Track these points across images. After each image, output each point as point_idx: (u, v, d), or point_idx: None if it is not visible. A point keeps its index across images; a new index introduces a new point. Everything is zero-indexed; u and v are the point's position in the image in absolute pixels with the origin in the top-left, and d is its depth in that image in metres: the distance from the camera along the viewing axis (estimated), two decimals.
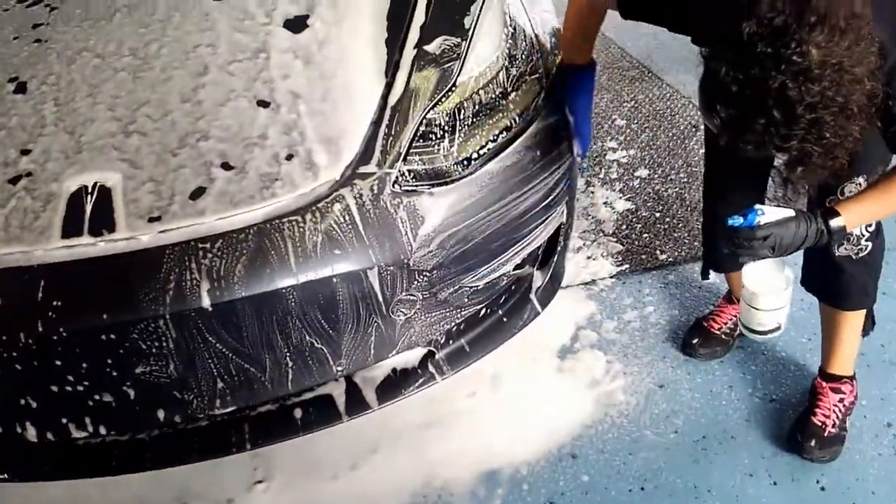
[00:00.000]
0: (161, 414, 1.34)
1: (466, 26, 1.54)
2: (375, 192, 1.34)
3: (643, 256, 2.35)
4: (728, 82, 1.02)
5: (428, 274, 1.40)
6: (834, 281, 1.58)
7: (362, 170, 1.34)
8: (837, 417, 1.71)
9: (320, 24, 1.54)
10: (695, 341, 1.98)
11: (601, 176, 2.76)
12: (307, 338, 1.33)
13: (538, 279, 1.76)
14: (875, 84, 1.05)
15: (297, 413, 1.50)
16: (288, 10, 1.57)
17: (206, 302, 1.20)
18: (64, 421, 1.32)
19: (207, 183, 1.27)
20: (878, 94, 1.06)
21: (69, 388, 1.27)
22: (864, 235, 1.47)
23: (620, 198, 2.63)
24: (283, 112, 1.37)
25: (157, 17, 1.56)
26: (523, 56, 1.59)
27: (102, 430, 1.34)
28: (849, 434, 1.74)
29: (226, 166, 1.29)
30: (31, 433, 1.30)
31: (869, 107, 1.05)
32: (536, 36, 1.68)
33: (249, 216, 1.25)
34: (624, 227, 2.49)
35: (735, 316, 1.97)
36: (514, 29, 1.60)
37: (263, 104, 1.38)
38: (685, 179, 2.67)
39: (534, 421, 1.83)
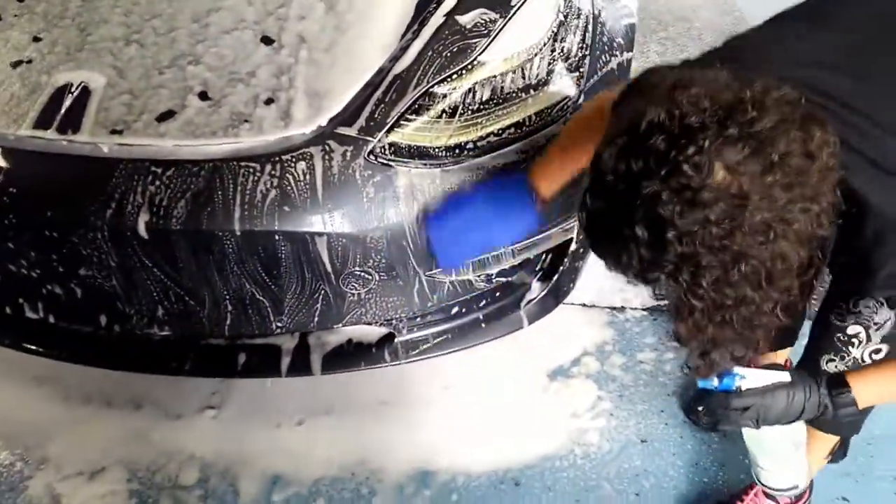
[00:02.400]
0: (103, 319, 1.37)
1: (512, 3, 1.40)
2: (347, 158, 1.26)
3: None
4: (607, 169, 0.77)
5: (386, 256, 1.31)
6: None
7: (341, 131, 1.27)
8: None
9: None
10: (700, 408, 1.76)
11: None
12: (247, 286, 1.31)
13: (534, 291, 1.62)
14: (812, 255, 0.79)
15: (241, 356, 1.49)
16: None
17: (141, 227, 1.20)
18: (20, 301, 1.39)
19: (179, 108, 1.25)
20: (813, 266, 0.81)
21: (24, 272, 1.32)
22: (864, 361, 1.13)
23: None
24: (282, 53, 1.31)
25: None
26: (567, 49, 1.42)
27: (51, 318, 1.40)
28: None
29: (203, 96, 1.26)
30: None
31: (794, 283, 0.80)
32: (597, 28, 1.50)
33: (209, 150, 1.21)
34: None
35: None
36: (567, 16, 1.43)
37: (267, 41, 1.33)
38: None
39: (495, 435, 1.72)
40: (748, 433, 1.24)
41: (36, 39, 1.34)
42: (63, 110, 1.24)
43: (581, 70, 1.43)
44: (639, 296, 2.11)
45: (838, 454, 1.40)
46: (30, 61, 1.31)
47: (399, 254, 1.32)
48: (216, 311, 1.35)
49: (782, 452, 1.25)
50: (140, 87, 1.26)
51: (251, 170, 1.22)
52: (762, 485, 1.37)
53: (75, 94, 1.26)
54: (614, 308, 2.08)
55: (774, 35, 0.98)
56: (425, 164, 1.29)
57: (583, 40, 1.45)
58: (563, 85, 1.40)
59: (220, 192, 1.20)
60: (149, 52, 1.30)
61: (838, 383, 1.05)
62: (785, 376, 1.06)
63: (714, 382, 1.06)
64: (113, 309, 1.34)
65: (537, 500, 1.61)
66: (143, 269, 1.26)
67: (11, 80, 1.28)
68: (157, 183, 1.20)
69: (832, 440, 1.36)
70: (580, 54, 1.44)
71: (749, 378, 1.06)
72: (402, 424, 1.74)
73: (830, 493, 1.60)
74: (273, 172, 1.22)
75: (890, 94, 0.93)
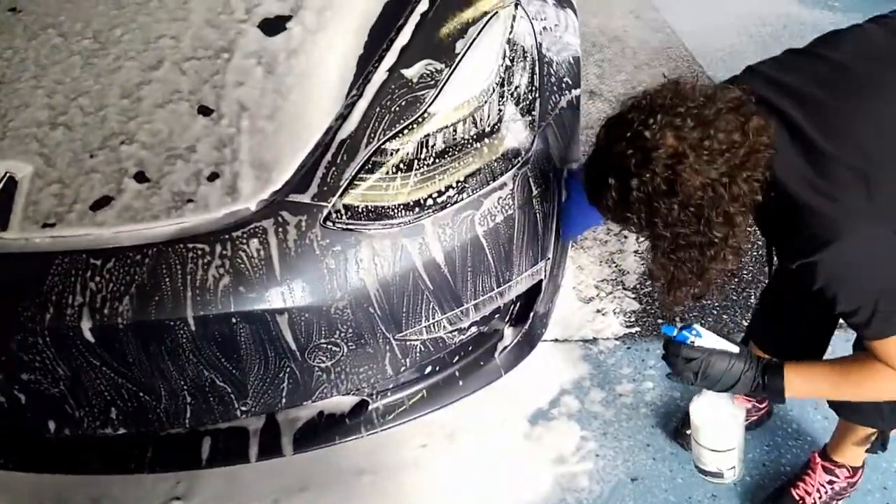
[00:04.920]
0: (51, 425, 1.26)
1: (457, 51, 1.36)
2: (303, 228, 1.19)
3: (659, 321, 2.10)
4: (599, 137, 1.06)
5: (353, 324, 1.25)
6: None
7: (294, 199, 1.20)
8: (820, 498, 1.55)
9: (299, 29, 1.40)
10: (688, 431, 1.73)
11: None
12: (206, 373, 1.22)
13: (507, 338, 1.57)
14: (743, 211, 1.01)
15: (205, 443, 1.39)
16: (271, 9, 1.44)
17: (85, 328, 1.10)
18: None
19: (115, 193, 1.16)
20: (745, 221, 1.03)
21: None
22: None
23: None
24: (222, 124, 1.25)
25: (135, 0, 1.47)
26: (517, 93, 1.39)
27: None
28: None
29: (140, 177, 1.18)
30: None
31: (730, 233, 1.02)
32: (543, 70, 1.48)
33: (151, 234, 1.13)
34: (648, 282, 2.24)
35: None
36: (514, 60, 1.41)
37: (205, 111, 1.26)
38: None
39: (480, 490, 1.65)
40: (697, 406, 1.32)
41: None
42: None
43: (533, 113, 1.40)
44: (609, 325, 2.08)
45: (877, 445, 1.44)
46: None
47: (366, 321, 1.25)
48: (174, 403, 1.25)
49: (723, 430, 1.32)
50: (70, 174, 1.17)
51: (200, 252, 1.14)
52: (697, 469, 1.42)
53: (0, 185, 1.16)
54: (586, 340, 2.04)
55: (767, 64, 1.17)
56: (384, 226, 1.24)
57: (531, 82, 1.43)
58: (516, 130, 1.37)
59: (167, 280, 1.12)
60: (77, 135, 1.22)
61: (775, 368, 1.18)
62: (734, 348, 1.20)
63: (673, 331, 1.22)
64: (61, 414, 1.23)
65: None
66: (92, 369, 1.16)
67: None
68: (98, 277, 1.10)
69: (871, 432, 1.42)
70: (530, 97, 1.41)
71: (704, 338, 1.20)
72: (384, 494, 1.65)
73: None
74: (224, 253, 1.15)
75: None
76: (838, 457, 1.55)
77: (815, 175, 1.02)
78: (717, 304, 2.12)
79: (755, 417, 1.77)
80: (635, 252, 2.36)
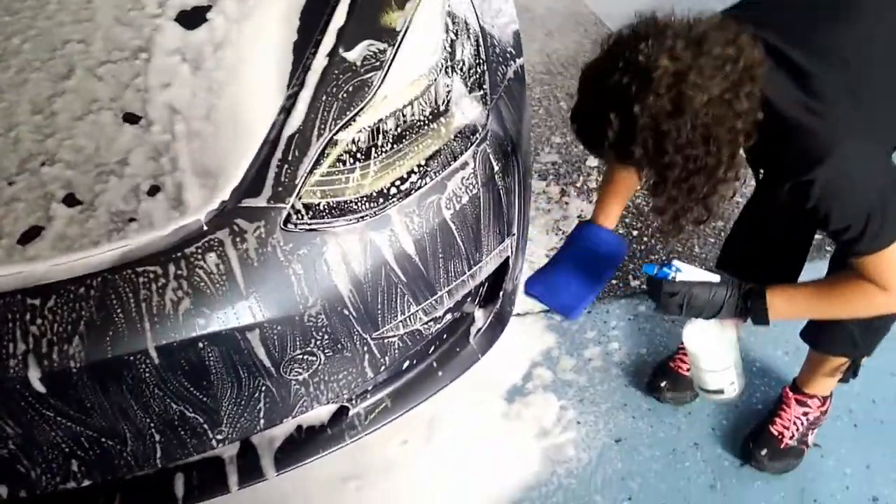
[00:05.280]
0: (3, 491, 1.12)
1: (397, 28, 1.28)
2: (262, 234, 1.10)
3: (614, 281, 2.11)
4: (587, 73, 1.03)
5: (329, 330, 1.17)
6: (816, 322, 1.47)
7: (248, 204, 1.10)
8: (797, 430, 1.61)
9: (221, 19, 1.28)
10: (662, 384, 1.76)
11: (578, 184, 2.51)
12: (174, 406, 1.11)
13: (479, 320, 1.53)
14: (747, 129, 1.00)
15: (178, 480, 1.28)
16: (186, 0, 1.31)
17: (34, 374, 0.97)
18: None
19: (44, 221, 1.03)
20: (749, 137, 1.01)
21: None
22: None
23: None
24: (153, 131, 1.13)
25: (30, 3, 1.31)
26: (465, 67, 1.33)
27: None
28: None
29: (70, 200, 1.05)
30: None
31: (736, 150, 1.01)
32: (487, 41, 1.42)
33: (93, 262, 1.01)
34: None
35: None
36: (457, 34, 1.34)
37: (131, 119, 1.14)
38: None
39: (470, 478, 1.61)
40: (689, 332, 1.32)
41: None
42: None
43: (484, 87, 1.34)
44: None
45: (849, 374, 1.49)
46: None
47: (342, 324, 1.18)
48: (142, 444, 1.14)
49: (717, 352, 1.34)
50: None
51: (152, 275, 1.03)
52: (701, 389, 1.44)
53: None
54: (547, 310, 2.03)
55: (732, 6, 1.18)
56: (349, 221, 1.16)
57: (477, 55, 1.37)
58: (470, 105, 1.31)
59: (120, 311, 1.00)
60: None
61: (756, 292, 1.21)
62: (715, 277, 1.24)
63: (654, 269, 1.25)
64: (14, 476, 1.10)
65: None
66: (45, 422, 1.03)
67: None
68: (40, 319, 0.98)
69: (841, 363, 1.47)
70: (479, 70, 1.35)
71: (684, 272, 1.23)
72: (368, 496, 1.59)
73: (863, 491, 1.61)
74: (180, 273, 1.04)
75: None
76: (809, 388, 1.61)
77: (803, 95, 1.03)
78: (667, 256, 2.15)
79: None
80: (578, 217, 2.36)
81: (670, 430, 1.71)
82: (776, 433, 1.61)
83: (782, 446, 1.60)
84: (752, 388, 1.80)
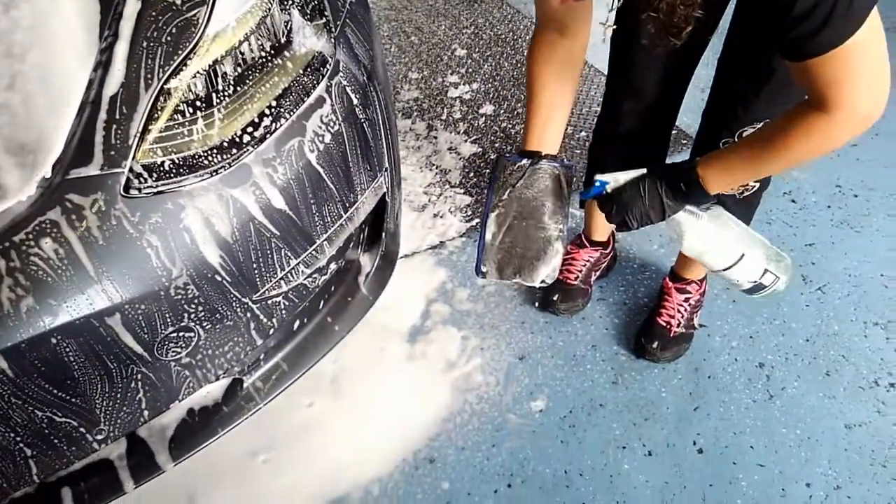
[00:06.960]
0: None
1: None
2: (102, 207, 0.97)
3: None
4: None
5: (202, 301, 1.07)
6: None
7: (77, 174, 0.97)
8: (683, 317, 1.69)
9: None
10: (554, 297, 1.79)
11: (444, 117, 2.47)
12: (39, 413, 0.98)
13: (366, 264, 1.47)
14: None
15: (66, 494, 1.16)
16: None
17: None
18: None
19: None
20: None
21: None
22: None
23: (466, 140, 2.36)
24: None
25: None
26: None
27: None
28: (720, 381, 1.64)
29: None
30: None
31: None
32: None
33: None
34: (471, 174, 2.24)
35: (588, 260, 1.81)
36: None
37: None
38: None
39: (384, 426, 1.58)
40: (689, 251, 1.24)
41: None
42: None
43: (325, 14, 1.25)
44: (451, 226, 2.06)
45: None
46: None
47: (216, 292, 1.08)
48: (11, 462, 1.01)
49: (720, 250, 1.23)
50: None
51: None
52: (745, 292, 1.30)
53: None
54: (434, 246, 2.01)
55: None
56: (201, 177, 1.05)
57: None
58: (313, 35, 1.21)
59: None
60: None
61: (686, 170, 1.13)
62: (639, 171, 1.18)
63: (588, 195, 1.22)
64: None
65: (456, 465, 1.52)
66: None
67: None
68: None
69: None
70: None
71: (612, 182, 1.19)
72: (281, 467, 1.52)
73: (749, 359, 1.69)
74: (13, 265, 0.90)
75: None
76: (686, 273, 1.69)
77: None
78: None
79: (604, 264, 1.86)
80: (449, 150, 2.33)
81: (568, 338, 1.75)
82: (664, 324, 1.68)
83: (672, 335, 1.67)
84: (637, 285, 1.87)
